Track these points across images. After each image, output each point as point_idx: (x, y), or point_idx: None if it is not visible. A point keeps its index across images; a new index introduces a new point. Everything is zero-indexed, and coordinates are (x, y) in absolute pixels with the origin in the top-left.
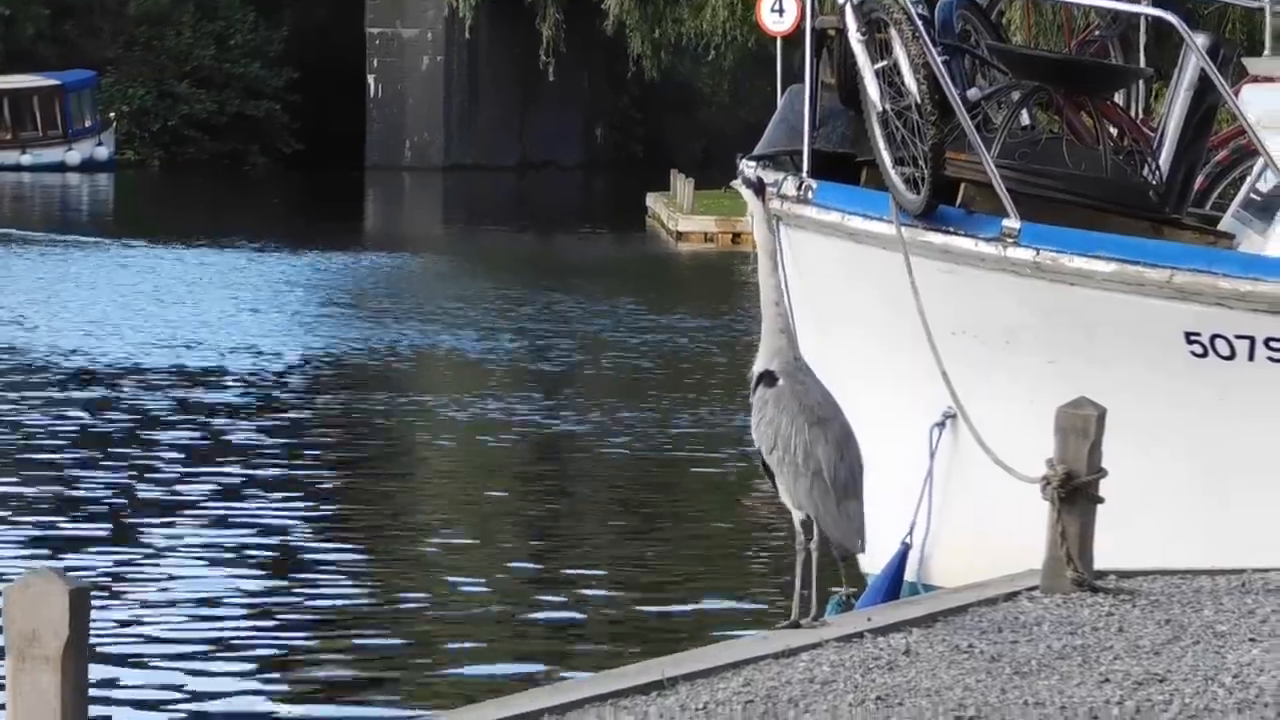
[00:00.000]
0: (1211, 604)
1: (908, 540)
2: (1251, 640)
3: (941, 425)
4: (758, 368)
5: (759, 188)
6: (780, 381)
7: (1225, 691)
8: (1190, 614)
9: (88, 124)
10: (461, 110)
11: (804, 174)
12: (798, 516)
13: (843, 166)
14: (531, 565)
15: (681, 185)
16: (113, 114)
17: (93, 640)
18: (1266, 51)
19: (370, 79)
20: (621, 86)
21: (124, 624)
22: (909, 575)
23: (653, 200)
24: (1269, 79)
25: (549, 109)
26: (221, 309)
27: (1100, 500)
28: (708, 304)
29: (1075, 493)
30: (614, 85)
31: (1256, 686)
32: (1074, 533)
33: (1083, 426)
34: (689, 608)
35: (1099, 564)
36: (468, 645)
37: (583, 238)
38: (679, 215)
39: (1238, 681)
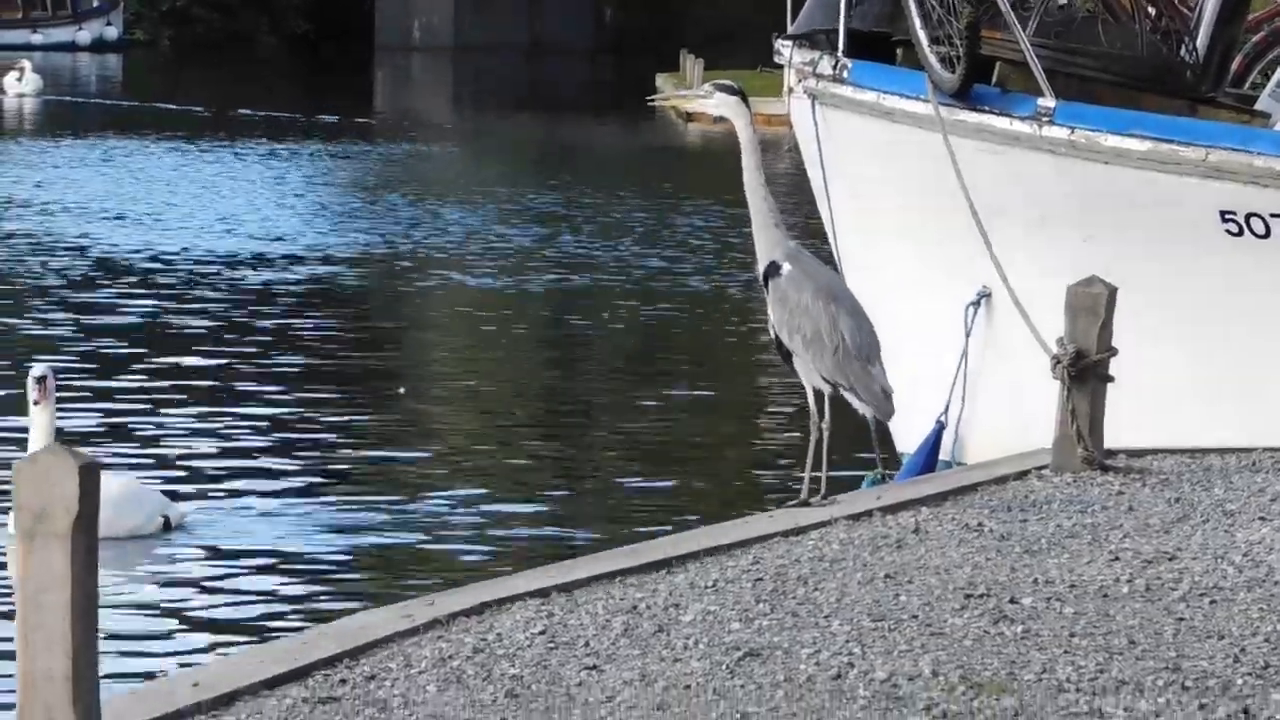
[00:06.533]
0: (1221, 482)
1: (942, 419)
2: (1261, 519)
3: (976, 304)
4: (762, 263)
5: (741, 94)
6: (787, 267)
7: (1235, 570)
8: (1200, 492)
9: (96, 4)
10: None
11: (840, 53)
12: (812, 398)
13: (879, 45)
14: (540, 443)
15: (691, 65)
16: None
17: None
18: None
19: None
20: None
21: None
22: (944, 454)
23: (662, 81)
24: None
25: None
26: (234, 198)
27: (1110, 379)
28: (710, 187)
29: (1085, 371)
30: None
31: (1266, 565)
32: (1084, 411)
33: (1092, 305)
34: (697, 485)
35: (1132, 440)
36: (476, 523)
37: (592, 120)
38: None
39: (1247, 560)
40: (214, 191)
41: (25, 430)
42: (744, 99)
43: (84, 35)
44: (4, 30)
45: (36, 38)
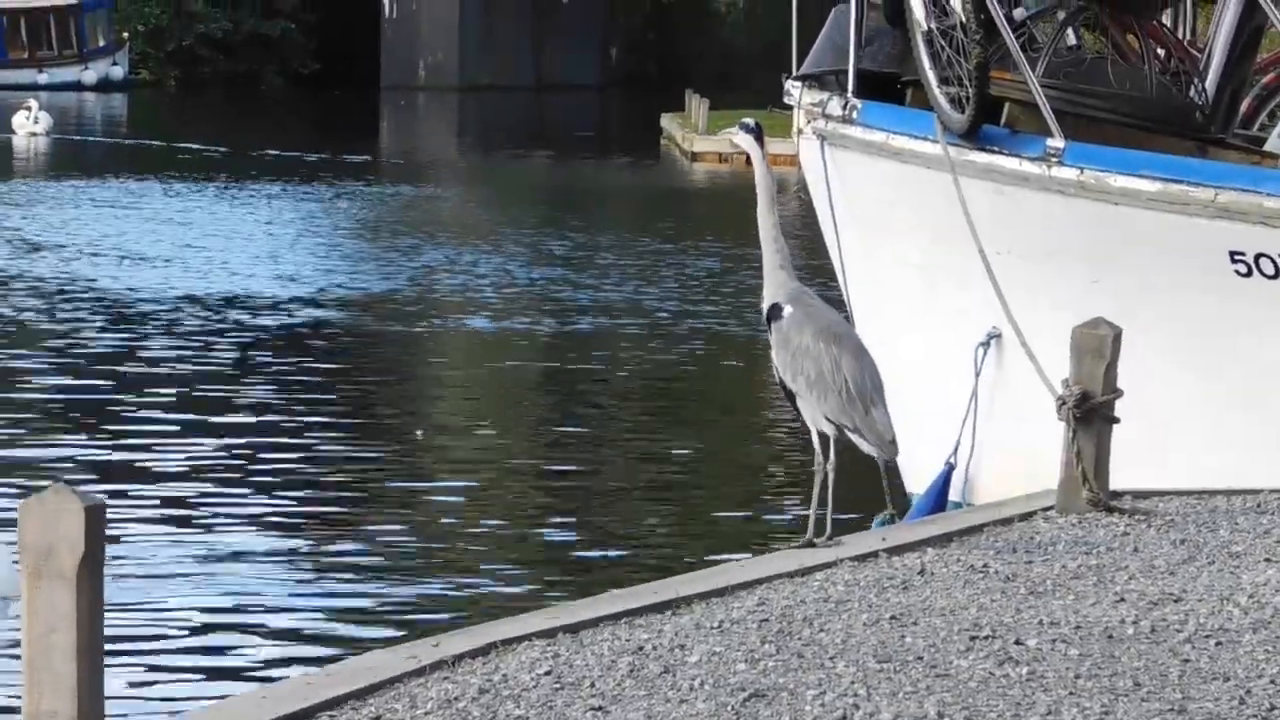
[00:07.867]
0: (1227, 524)
1: (952, 460)
2: (1267, 560)
3: (986, 345)
4: (766, 304)
5: (758, 134)
6: (790, 309)
7: (1240, 611)
8: (1206, 534)
9: (102, 44)
10: (477, 29)
11: (849, 94)
12: (816, 439)
13: (888, 86)
14: (547, 484)
15: (696, 105)
16: (126, 33)
17: (108, 557)
18: None
19: None
20: (636, 5)
21: (139, 542)
22: (953, 495)
23: (667, 121)
24: None
25: (564, 28)
26: (245, 239)
27: (1116, 420)
28: (717, 227)
29: (1091, 413)
30: (628, 4)
31: (1271, 607)
32: (1089, 453)
33: (1098, 346)
34: (703, 526)
35: (1141, 482)
36: (482, 565)
37: (599, 160)
38: (693, 136)
39: (1253, 601)
40: (225, 233)
41: (33, 466)
42: (758, 137)
43: (89, 75)
44: (10, 70)
45: (42, 77)
